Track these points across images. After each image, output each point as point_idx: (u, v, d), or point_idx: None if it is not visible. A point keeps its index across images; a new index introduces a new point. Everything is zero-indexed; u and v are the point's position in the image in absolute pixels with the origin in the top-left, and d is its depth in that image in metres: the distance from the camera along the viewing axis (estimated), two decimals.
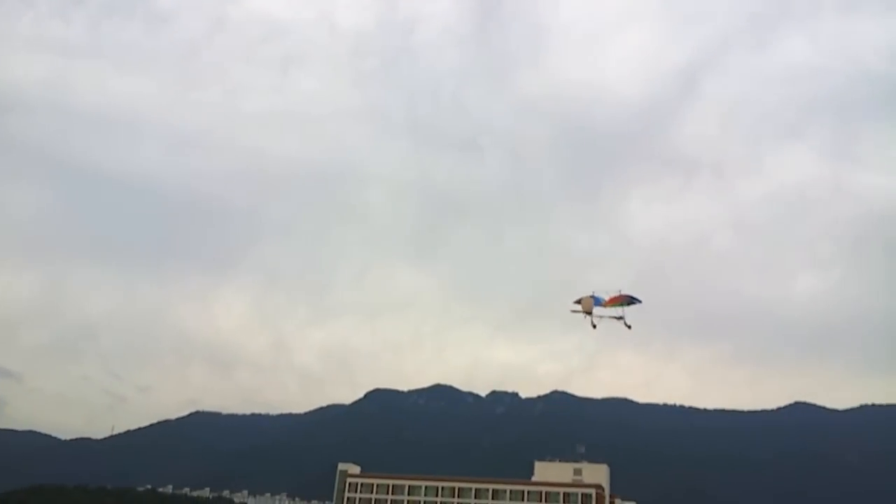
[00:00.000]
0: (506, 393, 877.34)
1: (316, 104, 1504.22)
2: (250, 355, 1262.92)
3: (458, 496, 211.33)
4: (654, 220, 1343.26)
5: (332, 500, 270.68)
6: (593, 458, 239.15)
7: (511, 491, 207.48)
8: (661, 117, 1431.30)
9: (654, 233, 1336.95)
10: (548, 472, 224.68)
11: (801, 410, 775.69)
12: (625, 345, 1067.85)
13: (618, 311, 63.73)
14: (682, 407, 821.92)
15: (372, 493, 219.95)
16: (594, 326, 64.21)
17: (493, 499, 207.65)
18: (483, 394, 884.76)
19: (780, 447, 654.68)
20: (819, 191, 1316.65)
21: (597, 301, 63.76)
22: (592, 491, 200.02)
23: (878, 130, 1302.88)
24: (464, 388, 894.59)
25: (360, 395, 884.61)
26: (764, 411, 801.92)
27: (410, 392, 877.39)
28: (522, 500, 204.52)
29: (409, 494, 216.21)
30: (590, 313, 63.96)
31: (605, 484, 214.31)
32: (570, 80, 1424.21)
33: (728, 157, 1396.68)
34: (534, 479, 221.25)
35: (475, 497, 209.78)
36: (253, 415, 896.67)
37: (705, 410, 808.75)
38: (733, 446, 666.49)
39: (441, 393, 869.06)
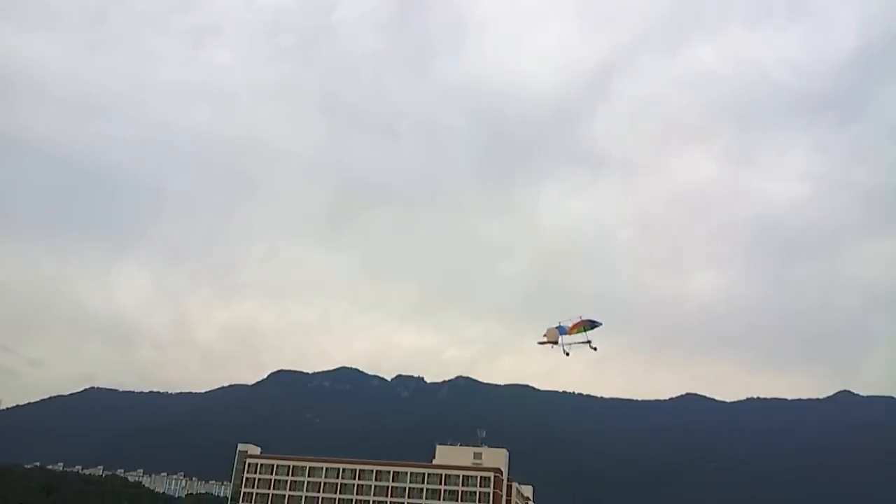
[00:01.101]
0: (411, 377, 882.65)
1: (229, 78, 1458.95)
2: (150, 332, 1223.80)
3: (359, 478, 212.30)
4: (562, 213, 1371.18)
5: (230, 481, 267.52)
6: (494, 443, 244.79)
7: (411, 473, 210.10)
8: (574, 113, 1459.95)
9: (562, 225, 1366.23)
10: (449, 455, 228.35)
11: (692, 401, 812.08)
12: (528, 334, 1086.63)
13: (582, 336, 66.23)
14: (580, 395, 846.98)
15: (272, 474, 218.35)
16: (567, 354, 66.87)
17: (393, 481, 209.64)
18: (389, 377, 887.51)
19: (672, 435, 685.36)
20: (719, 193, 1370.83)
21: (562, 330, 66.14)
22: (491, 474, 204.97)
23: (776, 138, 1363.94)
24: (369, 371, 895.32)
25: (264, 375, 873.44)
26: (658, 401, 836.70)
27: (315, 374, 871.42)
28: (422, 482, 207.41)
29: (309, 476, 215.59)
30: (556, 343, 66.34)
31: (504, 468, 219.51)
32: (488, 71, 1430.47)
33: (635, 155, 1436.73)
34: (435, 462, 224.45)
35: (376, 479, 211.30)
36: (151, 393, 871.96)
37: (602, 399, 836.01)
38: (628, 433, 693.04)
39: (346, 376, 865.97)
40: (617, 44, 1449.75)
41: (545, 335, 67.10)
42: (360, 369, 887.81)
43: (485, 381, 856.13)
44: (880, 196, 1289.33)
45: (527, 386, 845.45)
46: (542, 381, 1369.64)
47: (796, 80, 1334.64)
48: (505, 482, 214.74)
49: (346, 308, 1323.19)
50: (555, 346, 66.95)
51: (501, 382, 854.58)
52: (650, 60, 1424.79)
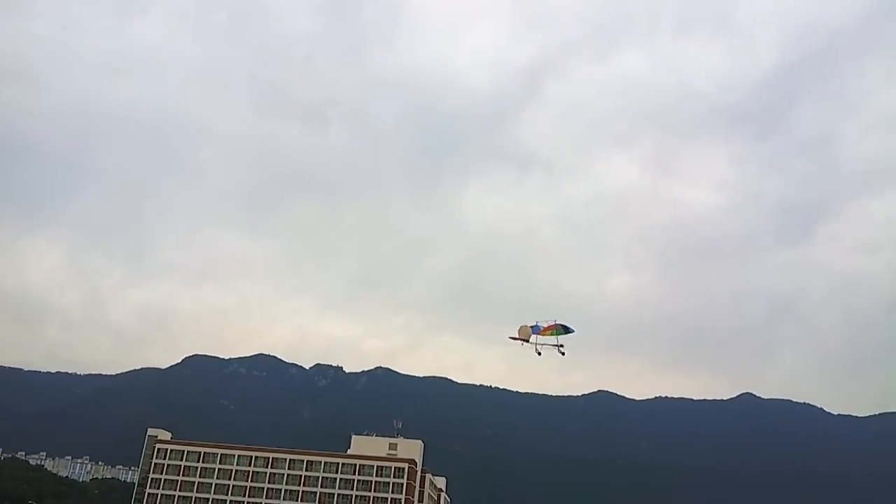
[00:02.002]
0: (330, 366, 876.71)
1: (156, 53, 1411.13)
2: (60, 310, 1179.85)
3: (272, 466, 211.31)
4: (487, 210, 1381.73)
5: (138, 466, 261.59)
6: (410, 434, 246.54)
7: (326, 463, 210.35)
8: (503, 112, 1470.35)
9: (486, 221, 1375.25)
10: (364, 445, 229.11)
11: (603, 398, 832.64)
12: (448, 327, 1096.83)
13: (553, 339, 67.75)
14: (497, 389, 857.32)
15: (182, 460, 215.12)
16: (539, 353, 68.29)
17: (307, 470, 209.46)
18: (307, 366, 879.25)
19: (583, 431, 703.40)
20: (638, 198, 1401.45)
21: (535, 330, 67.62)
22: (405, 465, 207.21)
23: (695, 148, 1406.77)
24: (288, 359, 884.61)
25: (178, 359, 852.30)
26: (570, 397, 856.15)
27: (231, 360, 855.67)
28: (337, 472, 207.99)
29: (220, 463, 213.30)
30: (527, 341, 67.71)
31: (419, 459, 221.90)
32: (421, 65, 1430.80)
33: (560, 157, 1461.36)
34: (350, 452, 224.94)
35: (289, 468, 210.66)
36: (58, 373, 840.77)
37: (518, 393, 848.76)
38: (541, 428, 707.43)
39: (263, 363, 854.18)
40: (548, 47, 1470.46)
41: (518, 331, 68.63)
42: (278, 356, 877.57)
43: (404, 372, 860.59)
44: (789, 209, 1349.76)
45: (445, 378, 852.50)
46: (460, 374, 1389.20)
47: (718, 93, 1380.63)
48: (419, 473, 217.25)
49: (267, 294, 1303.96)
50: (525, 344, 68.43)
51: (420, 374, 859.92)
52: (579, 65, 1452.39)
